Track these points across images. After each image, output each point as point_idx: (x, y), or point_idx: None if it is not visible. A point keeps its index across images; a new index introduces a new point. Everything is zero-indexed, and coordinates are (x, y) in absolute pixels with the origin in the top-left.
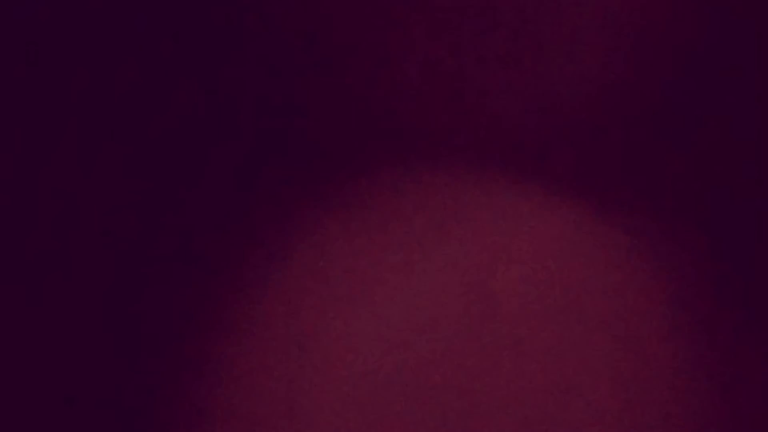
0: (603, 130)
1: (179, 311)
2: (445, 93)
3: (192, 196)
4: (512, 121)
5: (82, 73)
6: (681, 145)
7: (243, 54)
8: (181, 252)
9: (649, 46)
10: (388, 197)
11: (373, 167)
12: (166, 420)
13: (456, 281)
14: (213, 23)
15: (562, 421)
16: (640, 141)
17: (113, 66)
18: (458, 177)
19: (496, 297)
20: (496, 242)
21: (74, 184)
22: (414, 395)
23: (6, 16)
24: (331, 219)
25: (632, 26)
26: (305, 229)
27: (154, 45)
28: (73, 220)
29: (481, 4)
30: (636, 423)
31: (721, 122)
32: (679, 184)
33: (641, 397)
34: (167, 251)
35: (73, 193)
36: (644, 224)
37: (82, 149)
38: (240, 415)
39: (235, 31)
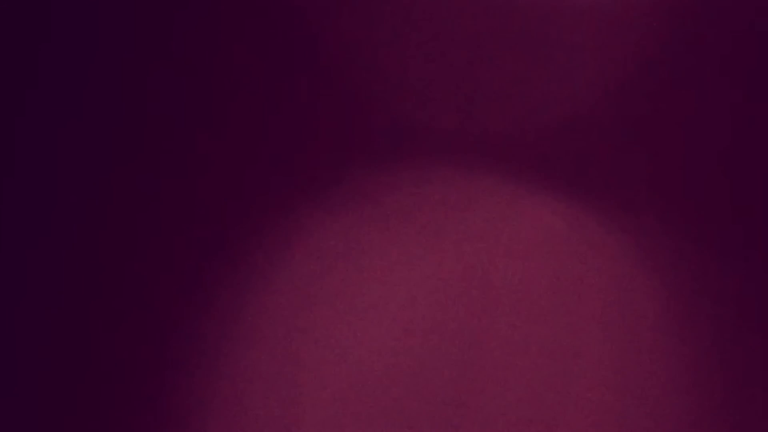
0: (602, 130)
1: (175, 310)
2: (445, 94)
3: (191, 195)
4: (512, 120)
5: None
6: (681, 145)
7: (242, 52)
8: (180, 252)
9: (649, 48)
10: (386, 196)
11: (372, 167)
12: (161, 417)
13: (455, 279)
14: (213, 20)
15: (559, 419)
16: (639, 141)
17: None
18: (457, 176)
19: (495, 295)
20: (495, 240)
21: (70, 177)
22: (411, 392)
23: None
24: (329, 218)
25: (632, 28)
26: (304, 228)
27: (151, 43)
28: (71, 210)
29: (482, 7)
30: (634, 421)
31: (722, 122)
32: (678, 183)
33: (639, 394)
34: (166, 250)
35: (70, 184)
36: (642, 223)
37: (74, 142)
38: (237, 413)
39: (235, 28)
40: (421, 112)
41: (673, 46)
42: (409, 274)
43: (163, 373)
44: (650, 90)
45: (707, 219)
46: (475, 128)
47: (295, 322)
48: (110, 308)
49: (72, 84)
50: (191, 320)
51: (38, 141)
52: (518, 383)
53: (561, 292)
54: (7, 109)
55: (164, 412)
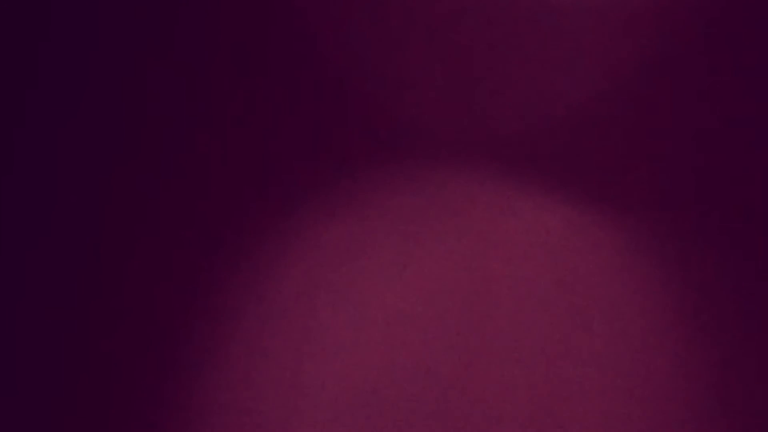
0: (602, 130)
1: (175, 311)
2: (444, 94)
3: (190, 195)
4: (510, 121)
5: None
6: (680, 145)
7: (242, 53)
8: (180, 252)
9: (649, 48)
10: (386, 197)
11: (372, 167)
12: (165, 416)
13: (454, 278)
14: (214, 21)
15: (558, 418)
16: (636, 140)
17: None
18: (456, 176)
19: (495, 294)
20: (495, 240)
21: (70, 177)
22: (411, 391)
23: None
24: (330, 219)
25: (633, 28)
26: (305, 229)
27: (162, 46)
28: (71, 211)
29: (479, 8)
30: (633, 419)
31: (722, 121)
32: (676, 182)
33: (638, 392)
34: (166, 252)
35: (73, 185)
36: (640, 222)
37: (83, 146)
38: (238, 413)
39: (236, 30)
40: (420, 113)
41: (674, 47)
42: (410, 274)
43: (163, 374)
44: (650, 90)
45: (707, 219)
46: (475, 129)
47: (295, 322)
48: (110, 309)
49: (72, 84)
50: (192, 321)
51: (38, 141)
52: (518, 382)
53: (560, 291)
54: (7, 110)
55: (165, 413)
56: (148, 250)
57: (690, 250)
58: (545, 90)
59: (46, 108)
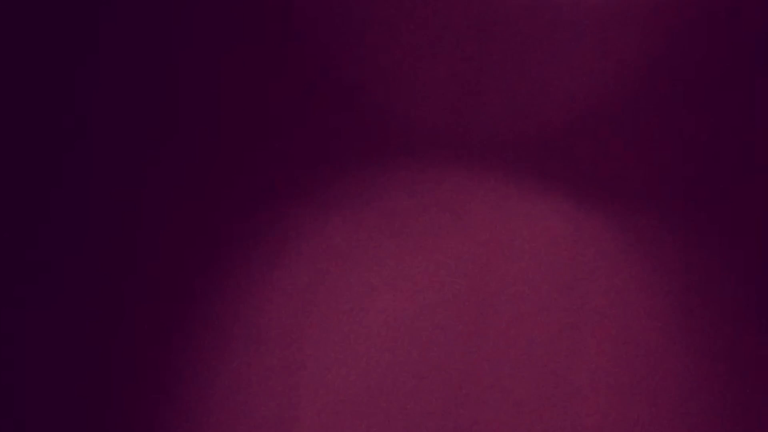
0: (599, 130)
1: (174, 313)
2: (446, 94)
3: (188, 196)
4: (511, 122)
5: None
6: (682, 146)
7: (245, 55)
8: (178, 254)
9: (651, 50)
10: (388, 197)
11: (373, 168)
12: (163, 417)
13: (455, 279)
14: (216, 21)
15: (558, 417)
16: (637, 141)
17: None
18: (457, 177)
19: (492, 294)
20: (495, 240)
21: (70, 179)
22: (410, 393)
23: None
24: (329, 220)
25: (634, 29)
26: (303, 230)
27: (149, 50)
28: (72, 213)
29: (482, 7)
30: (634, 419)
31: (723, 122)
32: (676, 183)
33: (639, 392)
34: (164, 253)
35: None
36: (640, 221)
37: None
38: (236, 415)
39: (233, 28)
40: (420, 114)
41: (675, 48)
42: (410, 274)
43: (162, 376)
44: (651, 91)
45: (707, 219)
46: (476, 129)
47: (294, 323)
48: (108, 310)
49: (72, 83)
50: (189, 322)
51: (37, 142)
52: (519, 383)
53: (562, 291)
54: (6, 113)
55: (163, 414)
56: (145, 249)
57: (691, 249)
58: (546, 91)
59: (46, 107)
